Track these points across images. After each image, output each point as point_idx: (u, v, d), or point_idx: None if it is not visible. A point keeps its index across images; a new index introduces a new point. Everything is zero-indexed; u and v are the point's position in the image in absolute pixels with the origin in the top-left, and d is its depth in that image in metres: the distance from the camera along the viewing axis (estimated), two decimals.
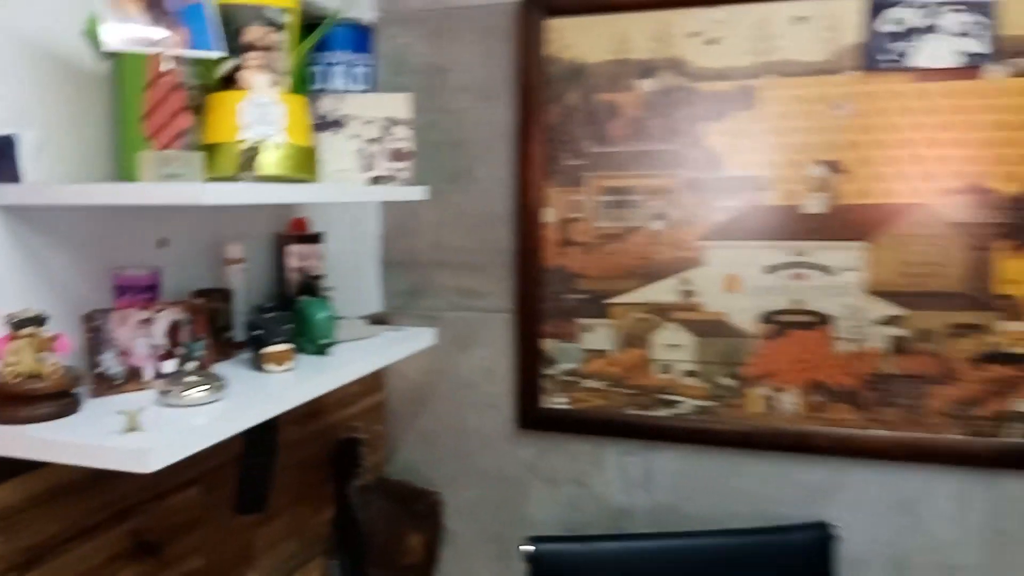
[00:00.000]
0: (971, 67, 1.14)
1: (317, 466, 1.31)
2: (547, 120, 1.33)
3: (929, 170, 1.18)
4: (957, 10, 1.14)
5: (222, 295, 1.00)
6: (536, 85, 1.32)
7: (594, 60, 1.30)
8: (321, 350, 1.04)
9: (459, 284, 1.44)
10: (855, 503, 1.31)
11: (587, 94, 1.31)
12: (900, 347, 1.24)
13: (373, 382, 1.46)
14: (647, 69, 1.28)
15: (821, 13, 1.19)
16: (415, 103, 1.37)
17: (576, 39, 1.30)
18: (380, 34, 1.40)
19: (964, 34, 1.14)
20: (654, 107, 1.28)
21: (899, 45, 1.17)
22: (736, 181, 1.27)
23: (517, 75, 1.33)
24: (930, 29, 1.15)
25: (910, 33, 1.16)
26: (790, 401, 1.30)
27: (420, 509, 1.46)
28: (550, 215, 1.36)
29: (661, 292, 1.33)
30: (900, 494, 1.29)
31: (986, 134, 1.16)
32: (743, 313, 1.30)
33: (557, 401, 1.41)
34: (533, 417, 1.42)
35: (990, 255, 1.19)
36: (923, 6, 1.14)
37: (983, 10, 1.13)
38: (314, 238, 1.17)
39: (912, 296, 1.22)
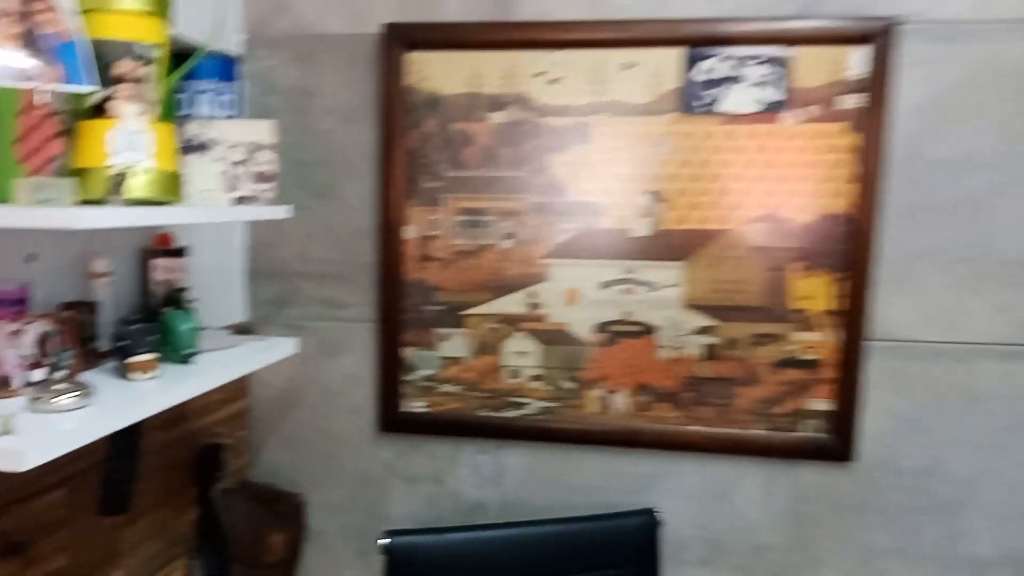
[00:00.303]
0: (770, 112, 1.34)
1: (181, 470, 1.36)
2: (408, 144, 1.44)
3: (736, 201, 1.37)
4: (759, 63, 1.33)
5: (89, 307, 1.06)
6: (397, 112, 1.42)
7: (450, 92, 1.42)
8: (184, 360, 1.11)
9: (324, 295, 1.53)
10: (677, 491, 1.49)
11: (444, 122, 1.43)
12: (712, 354, 1.42)
13: (237, 389, 1.52)
14: (497, 103, 1.41)
15: (646, 61, 1.36)
16: (282, 122, 1.46)
17: (434, 72, 1.42)
18: (249, 56, 1.47)
19: (764, 84, 1.33)
20: (504, 137, 1.42)
21: (711, 92, 1.35)
22: (576, 206, 1.42)
23: (379, 101, 1.44)
24: (736, 79, 1.34)
25: (720, 82, 1.34)
26: (621, 401, 1.46)
27: (283, 509, 1.53)
28: (411, 232, 1.47)
29: (511, 304, 1.46)
30: (715, 483, 1.48)
31: (782, 171, 1.35)
32: (582, 323, 1.45)
33: (416, 405, 1.52)
34: (394, 420, 1.53)
35: (786, 275, 1.39)
36: (730, 59, 1.33)
37: (779, 64, 1.32)
38: (179, 252, 1.24)
39: (722, 309, 1.41)
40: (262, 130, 1.13)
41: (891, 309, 1.37)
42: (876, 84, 1.29)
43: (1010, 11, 1.28)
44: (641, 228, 1.40)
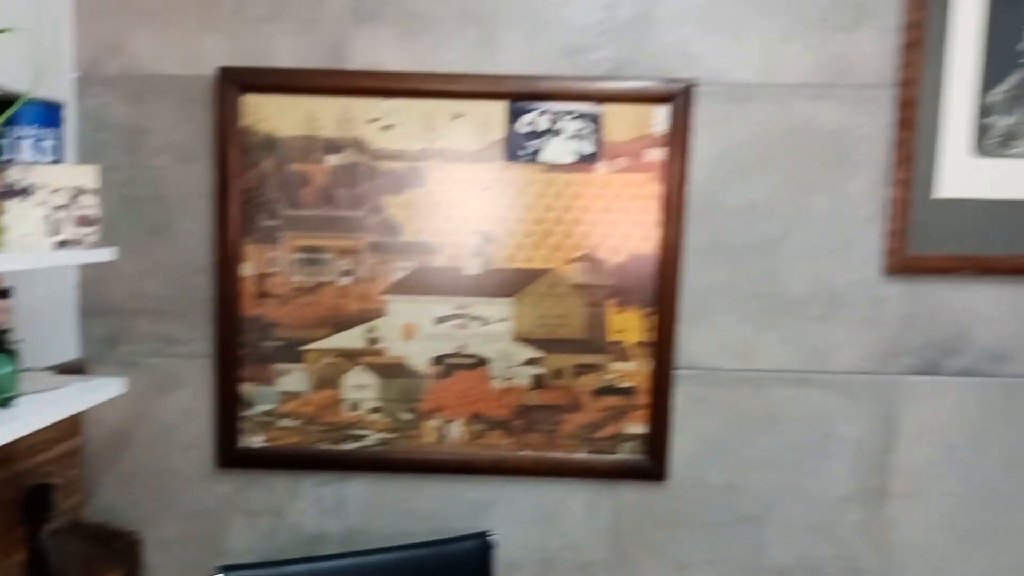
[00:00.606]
0: (585, 163, 1.46)
1: (7, 512, 1.33)
2: (244, 183, 1.48)
3: (557, 242, 1.48)
4: (574, 118, 1.45)
5: None
6: (233, 152, 1.46)
7: (286, 134, 1.47)
8: (4, 403, 1.10)
9: (159, 331, 1.53)
10: (510, 514, 1.57)
11: (281, 163, 1.48)
12: (540, 383, 1.53)
13: (68, 428, 1.50)
14: (333, 146, 1.47)
15: (474, 112, 1.46)
16: (115, 159, 1.46)
17: (270, 114, 1.46)
18: (81, 93, 1.47)
19: (579, 137, 1.45)
20: (340, 179, 1.48)
21: (533, 143, 1.46)
22: (411, 245, 1.49)
23: (215, 141, 1.46)
24: (554, 132, 1.45)
25: (540, 134, 1.46)
26: (457, 430, 1.54)
27: (118, 548, 1.52)
28: (248, 269, 1.50)
29: (349, 339, 1.52)
30: (544, 504, 1.57)
31: (598, 216, 1.48)
32: (419, 357, 1.52)
33: (255, 440, 1.54)
34: (232, 456, 1.54)
35: (604, 310, 1.51)
36: (548, 113, 1.44)
37: (593, 119, 1.45)
38: (3, 293, 1.22)
39: (547, 342, 1.51)
40: (85, 174, 1.14)
41: (695, 340, 1.52)
42: (677, 139, 1.44)
43: (791, 77, 1.45)
44: (473, 266, 1.49)
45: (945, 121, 1.45)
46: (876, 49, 1.44)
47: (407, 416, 1.53)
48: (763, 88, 1.45)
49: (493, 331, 1.50)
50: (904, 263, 1.48)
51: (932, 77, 1.44)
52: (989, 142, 1.45)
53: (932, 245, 1.48)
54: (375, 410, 1.53)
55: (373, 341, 1.52)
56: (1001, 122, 1.45)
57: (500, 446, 1.54)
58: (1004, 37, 1.43)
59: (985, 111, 1.44)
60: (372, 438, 1.54)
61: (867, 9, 1.43)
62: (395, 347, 1.52)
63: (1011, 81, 1.44)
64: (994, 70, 1.44)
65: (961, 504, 1.56)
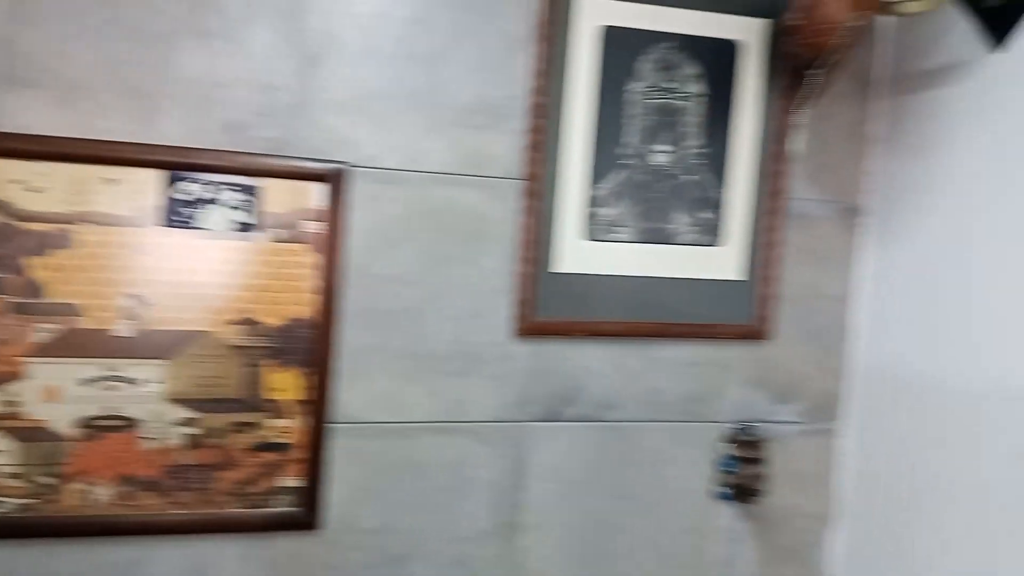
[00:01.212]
0: (244, 231, 1.54)
1: None
2: None
3: (216, 306, 1.55)
4: (232, 190, 1.53)
5: None
6: None
7: None
8: None
9: None
10: (158, 575, 1.58)
11: None
12: (194, 442, 1.57)
13: None
14: None
15: (128, 178, 1.48)
16: None
17: None
18: None
19: (237, 208, 1.54)
20: None
21: (190, 210, 1.52)
22: (57, 307, 1.47)
23: None
24: (213, 201, 1.53)
25: (198, 203, 1.52)
26: (104, 493, 1.53)
27: None
28: None
29: None
30: (196, 562, 1.60)
31: (256, 281, 1.56)
32: (63, 420, 1.50)
33: None
34: None
35: (261, 370, 1.59)
36: (206, 183, 1.51)
37: (250, 191, 1.54)
38: None
39: (203, 402, 1.56)
40: None
41: (350, 396, 1.65)
42: (333, 214, 1.57)
43: (434, 166, 1.66)
44: (124, 329, 1.50)
45: (562, 210, 1.73)
46: (506, 147, 1.69)
47: (49, 480, 1.50)
48: (410, 173, 1.64)
49: (145, 392, 1.53)
50: (530, 327, 1.74)
51: (551, 173, 1.72)
52: (596, 228, 1.76)
53: (552, 312, 1.75)
54: (13, 476, 1.48)
55: (12, 404, 1.47)
56: (605, 212, 1.76)
57: (150, 506, 1.55)
58: (608, 143, 1.75)
59: (593, 203, 1.75)
60: (10, 504, 1.48)
61: (499, 114, 1.68)
62: (37, 410, 1.48)
63: (613, 179, 1.76)
64: (600, 169, 1.75)
65: (581, 532, 1.83)
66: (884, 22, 1.84)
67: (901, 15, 1.53)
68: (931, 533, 1.65)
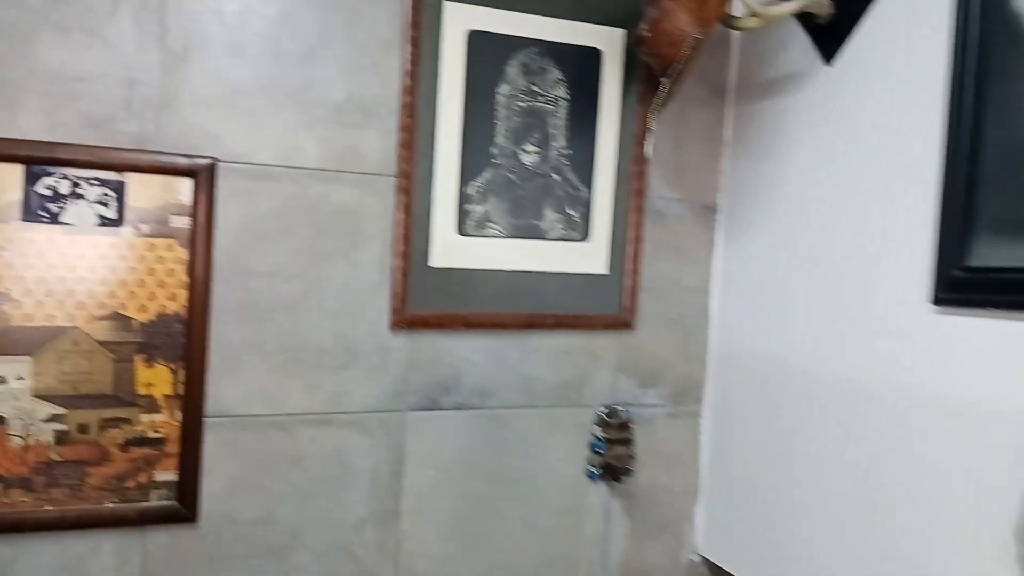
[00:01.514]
0: (109, 226, 1.55)
1: None
2: None
3: (82, 300, 1.55)
4: (97, 185, 1.54)
5: None
6: None
7: None
8: None
9: None
10: (32, 571, 1.57)
11: None
12: (64, 439, 1.56)
13: None
14: None
15: None
16: None
17: None
18: None
19: (103, 203, 1.54)
20: None
21: (54, 205, 1.51)
22: None
23: None
24: (78, 196, 1.52)
25: (62, 197, 1.52)
26: None
27: None
28: None
29: None
30: (72, 558, 1.59)
31: (125, 277, 1.57)
32: None
33: None
34: None
35: (132, 365, 1.60)
36: (69, 179, 1.51)
37: (116, 187, 1.55)
38: None
39: (72, 398, 1.56)
40: None
41: (225, 390, 1.67)
42: (201, 209, 1.60)
43: (307, 163, 1.70)
44: None
45: (435, 206, 1.80)
46: (379, 145, 1.75)
47: None
48: (282, 170, 1.67)
49: (10, 390, 1.51)
50: (407, 320, 1.80)
51: (424, 170, 1.78)
52: (470, 224, 1.84)
53: (428, 305, 1.82)
54: None
55: None
56: (477, 209, 1.84)
57: (21, 504, 1.54)
58: (479, 142, 1.82)
59: (465, 199, 1.82)
60: None
61: (371, 112, 1.73)
62: None
63: (484, 177, 1.84)
64: (472, 168, 1.83)
65: (459, 516, 1.90)
66: (735, 35, 1.99)
67: (741, 30, 1.66)
68: (782, 504, 1.81)
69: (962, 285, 1.34)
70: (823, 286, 1.69)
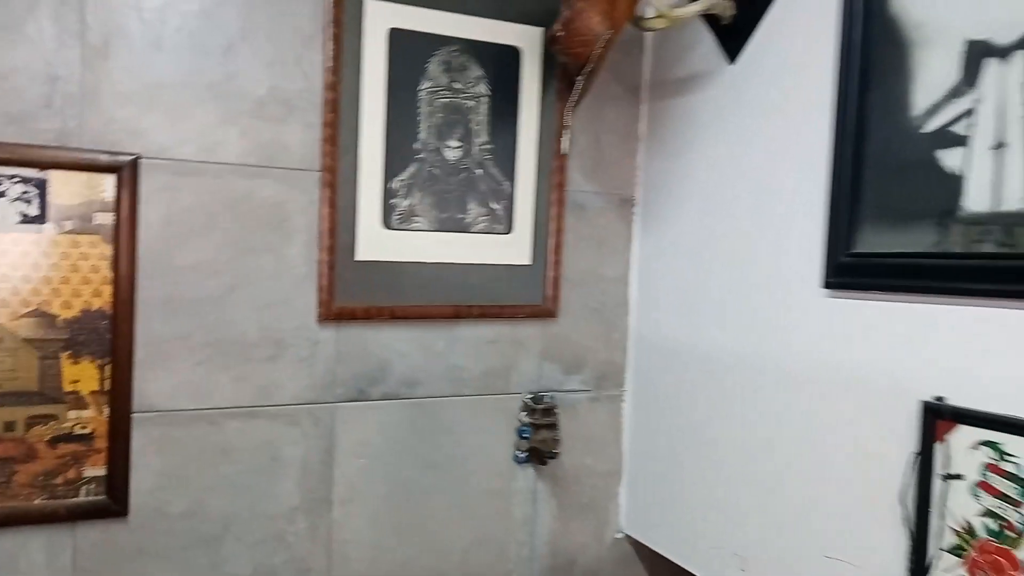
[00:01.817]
0: (32, 223, 1.55)
1: None
2: None
3: (5, 298, 1.55)
4: (18, 181, 1.54)
5: None
6: None
7: None
8: None
9: None
10: None
11: None
12: None
13: None
14: None
15: None
16: None
17: None
18: None
19: (24, 200, 1.54)
20: None
21: None
22: None
23: None
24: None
25: None
26: None
27: None
28: None
29: None
30: (1, 555, 1.60)
31: (47, 274, 1.57)
32: None
33: None
34: None
35: (58, 362, 1.60)
36: None
37: (38, 184, 1.55)
38: None
39: None
40: None
41: (152, 385, 1.69)
42: (125, 205, 1.61)
43: (230, 157, 1.72)
44: None
45: (361, 200, 1.84)
46: (303, 139, 1.78)
47: None
48: (205, 165, 1.70)
49: None
50: (334, 312, 1.84)
51: (349, 165, 1.82)
52: (395, 217, 1.88)
53: (356, 297, 1.86)
54: None
55: None
56: (402, 203, 1.89)
57: None
58: (403, 138, 1.87)
59: (391, 194, 1.87)
60: None
61: (294, 107, 1.76)
62: None
63: (408, 172, 1.89)
64: (396, 162, 1.88)
65: (390, 502, 1.96)
66: (648, 35, 2.08)
67: (649, 30, 1.75)
68: (700, 482, 1.91)
69: (849, 270, 1.45)
70: (730, 274, 1.80)
